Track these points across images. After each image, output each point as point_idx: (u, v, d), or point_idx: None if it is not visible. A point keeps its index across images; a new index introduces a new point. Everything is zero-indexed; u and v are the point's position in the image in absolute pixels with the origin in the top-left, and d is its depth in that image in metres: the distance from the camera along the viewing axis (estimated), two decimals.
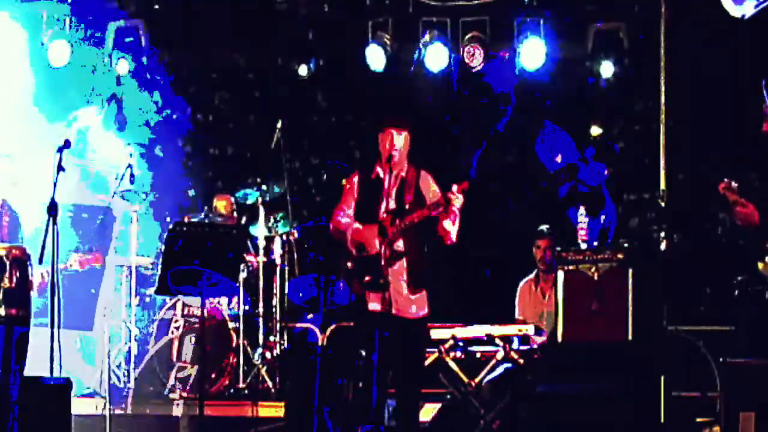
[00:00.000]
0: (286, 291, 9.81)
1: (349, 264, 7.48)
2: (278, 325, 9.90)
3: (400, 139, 7.48)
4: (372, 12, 10.93)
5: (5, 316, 8.12)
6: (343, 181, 7.74)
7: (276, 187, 10.11)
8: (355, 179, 7.65)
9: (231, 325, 9.68)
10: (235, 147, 11.98)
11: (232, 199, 10.45)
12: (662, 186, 9.30)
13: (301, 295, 9.89)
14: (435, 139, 10.62)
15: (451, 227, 7.37)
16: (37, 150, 9.52)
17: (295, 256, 10.10)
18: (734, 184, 8.07)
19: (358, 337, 7.56)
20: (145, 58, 11.26)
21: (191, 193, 10.40)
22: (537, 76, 10.90)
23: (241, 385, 9.57)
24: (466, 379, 8.73)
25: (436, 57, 10.83)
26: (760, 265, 8.11)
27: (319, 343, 9.85)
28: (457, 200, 7.24)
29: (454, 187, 7.24)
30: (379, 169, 7.55)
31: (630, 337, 8.21)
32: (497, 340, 8.84)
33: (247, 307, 9.76)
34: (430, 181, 7.56)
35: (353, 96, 11.74)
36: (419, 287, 7.44)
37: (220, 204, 10.40)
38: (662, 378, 8.59)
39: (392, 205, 7.42)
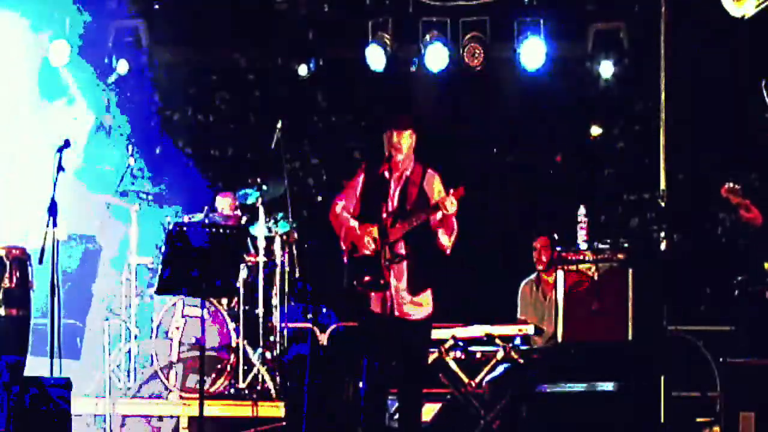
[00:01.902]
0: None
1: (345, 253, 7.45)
2: (278, 325, 9.89)
3: (401, 139, 7.40)
4: (372, 12, 10.93)
5: (5, 316, 8.14)
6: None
7: (269, 188, 10.08)
8: (360, 176, 7.59)
9: (231, 325, 9.67)
10: (235, 147, 11.97)
11: (235, 197, 10.44)
12: (662, 186, 9.30)
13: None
14: (436, 139, 10.62)
15: (447, 241, 7.33)
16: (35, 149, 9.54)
17: (295, 256, 10.10)
18: (736, 186, 8.07)
19: (359, 337, 7.55)
20: (145, 58, 11.26)
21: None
22: (537, 76, 10.90)
23: (241, 385, 9.56)
24: (466, 379, 8.73)
25: (436, 57, 10.83)
26: (767, 265, 8.13)
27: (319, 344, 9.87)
28: (451, 206, 7.18)
29: (450, 191, 7.21)
30: (385, 169, 7.48)
31: (630, 337, 8.22)
32: (497, 340, 8.85)
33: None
34: (436, 181, 7.46)
35: (353, 96, 11.73)
36: (421, 289, 7.40)
37: (224, 202, 10.40)
38: (662, 378, 8.60)
39: (395, 205, 7.38)
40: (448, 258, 7.52)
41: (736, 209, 8.15)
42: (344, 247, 7.46)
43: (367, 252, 7.30)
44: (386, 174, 7.41)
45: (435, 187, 7.44)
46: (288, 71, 11.33)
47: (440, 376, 8.74)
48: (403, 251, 7.31)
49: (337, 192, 7.69)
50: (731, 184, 8.13)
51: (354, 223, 7.42)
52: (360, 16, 10.96)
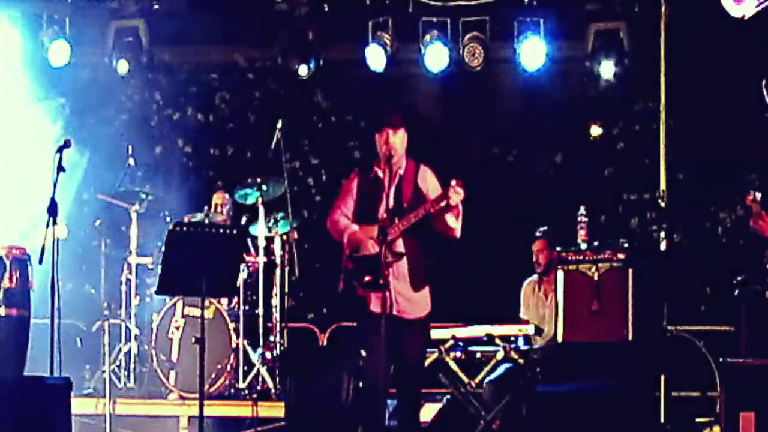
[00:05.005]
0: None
1: (348, 264, 7.45)
2: (278, 325, 9.90)
3: (396, 138, 7.42)
4: (372, 12, 10.92)
5: (5, 316, 8.15)
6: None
7: (271, 188, 10.07)
8: (354, 181, 7.60)
9: (231, 325, 9.67)
10: (235, 147, 11.97)
11: (226, 196, 10.43)
12: (662, 186, 9.31)
13: None
14: (436, 139, 10.62)
15: (455, 222, 7.30)
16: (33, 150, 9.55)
17: (295, 256, 10.10)
18: (758, 195, 8.10)
19: (359, 337, 7.54)
20: (145, 58, 11.25)
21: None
22: (537, 76, 10.90)
23: (241, 385, 9.57)
24: (466, 379, 8.72)
25: (436, 57, 10.82)
26: None
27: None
28: (457, 196, 7.17)
29: (453, 182, 7.19)
30: (377, 170, 7.50)
31: (630, 337, 8.22)
32: (497, 340, 8.83)
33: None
34: (429, 176, 7.46)
35: (353, 96, 11.73)
36: (421, 286, 7.40)
37: (215, 198, 10.42)
38: (662, 378, 8.60)
39: (391, 204, 7.37)
40: (446, 256, 7.52)
41: (754, 217, 8.17)
42: (346, 253, 7.47)
43: (369, 252, 7.29)
44: (380, 174, 7.43)
45: (429, 181, 7.44)
46: (288, 71, 11.33)
47: (440, 376, 8.73)
48: (402, 249, 7.31)
49: (335, 194, 7.70)
50: (755, 194, 8.15)
51: (355, 227, 7.43)
52: (360, 16, 10.95)
